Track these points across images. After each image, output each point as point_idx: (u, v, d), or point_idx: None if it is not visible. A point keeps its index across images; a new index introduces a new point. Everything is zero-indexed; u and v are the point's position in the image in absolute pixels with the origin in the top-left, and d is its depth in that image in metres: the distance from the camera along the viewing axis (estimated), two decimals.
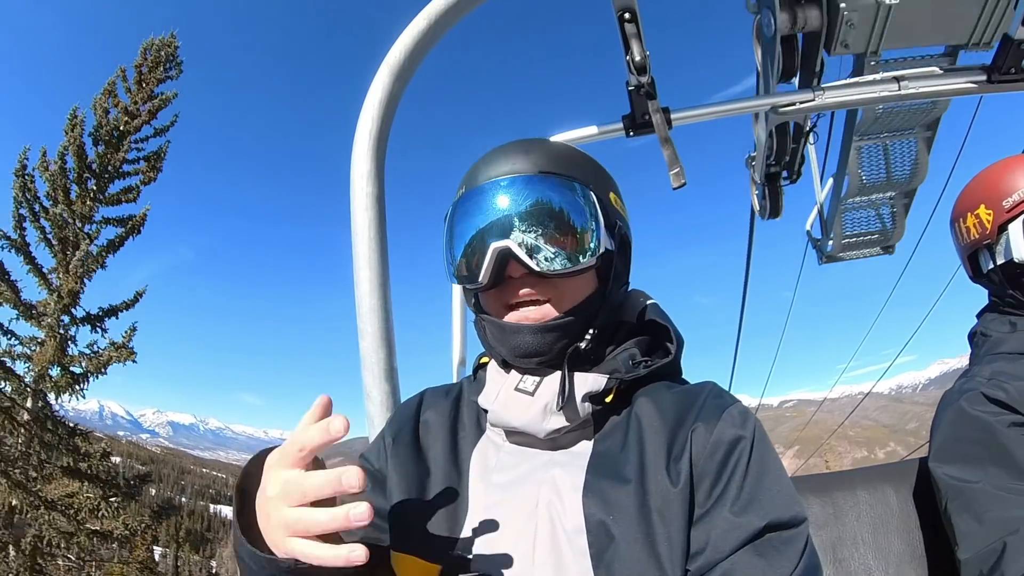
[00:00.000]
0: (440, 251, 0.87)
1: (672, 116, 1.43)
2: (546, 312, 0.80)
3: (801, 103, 1.48)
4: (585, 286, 0.83)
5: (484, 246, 0.79)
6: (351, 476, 0.55)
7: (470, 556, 0.73)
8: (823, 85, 1.50)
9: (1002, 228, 1.25)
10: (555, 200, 0.80)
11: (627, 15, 1.27)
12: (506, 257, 0.78)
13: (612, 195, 0.88)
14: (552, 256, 0.78)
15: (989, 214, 1.26)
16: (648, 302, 0.92)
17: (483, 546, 0.74)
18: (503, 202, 0.79)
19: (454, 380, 1.69)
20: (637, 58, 1.26)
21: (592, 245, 0.80)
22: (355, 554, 0.54)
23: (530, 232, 0.78)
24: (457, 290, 1.74)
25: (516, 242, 0.77)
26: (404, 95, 1.36)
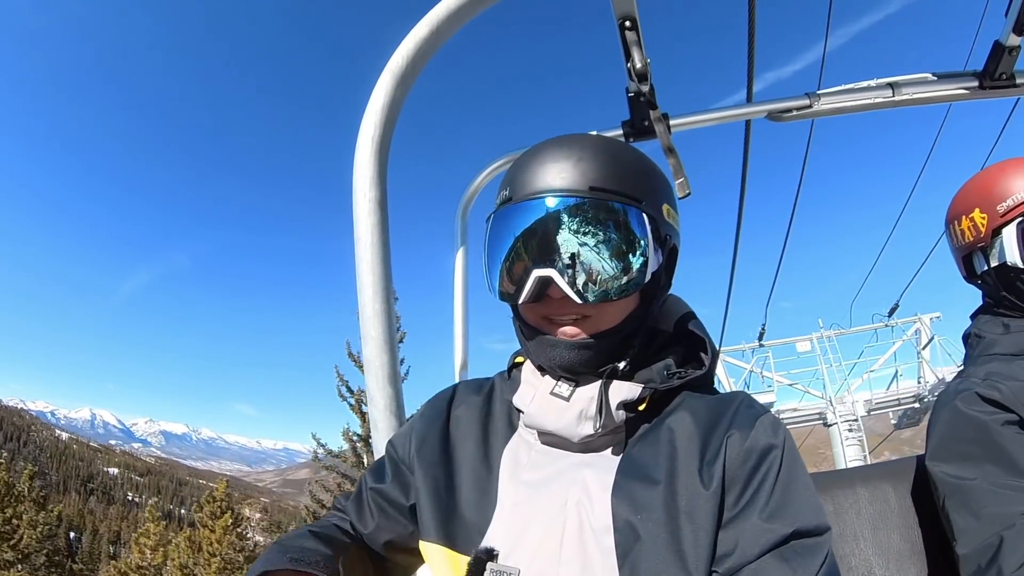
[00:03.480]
0: (481, 253, 0.85)
1: (671, 122, 1.45)
2: (585, 330, 0.80)
3: (798, 109, 1.50)
4: (627, 305, 0.82)
5: (526, 269, 0.78)
6: None
7: (497, 550, 0.76)
8: (819, 91, 1.52)
9: (996, 232, 1.27)
10: (602, 228, 0.77)
11: (628, 23, 1.28)
12: (547, 282, 0.77)
13: (666, 207, 0.84)
14: (595, 288, 0.77)
15: (984, 218, 1.29)
16: (684, 311, 0.92)
17: (511, 540, 0.76)
18: (548, 224, 0.77)
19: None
20: (638, 65, 1.27)
21: (637, 276, 0.78)
22: None
23: (574, 261, 0.76)
24: (459, 295, 1.74)
25: (558, 271, 0.76)
26: (406, 100, 1.37)
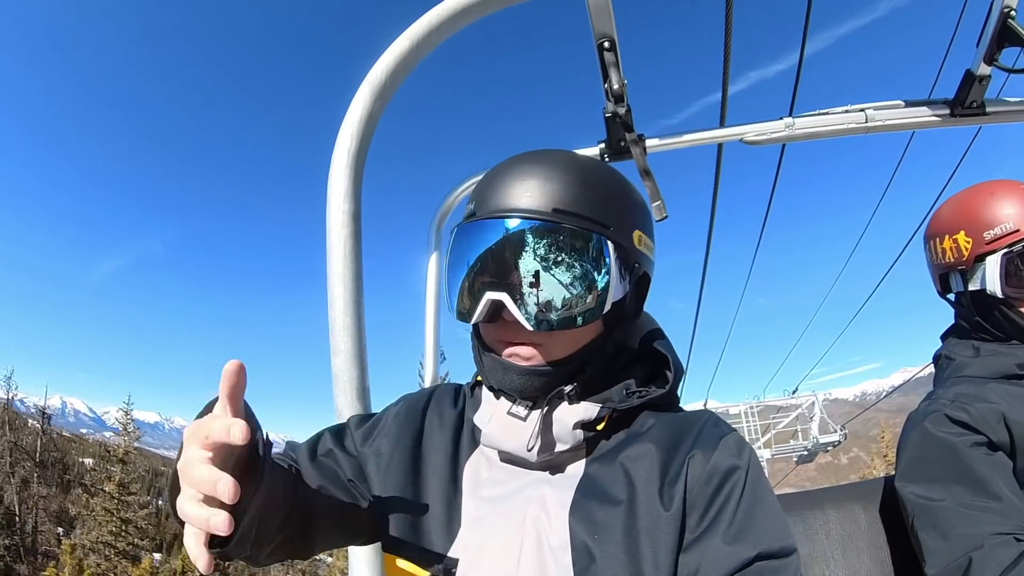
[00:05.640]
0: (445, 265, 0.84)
1: (647, 144, 1.46)
2: (537, 356, 0.78)
3: (772, 133, 1.52)
4: (586, 333, 0.80)
5: (479, 291, 0.77)
6: (237, 431, 0.55)
7: (456, 567, 0.75)
8: (792, 116, 1.54)
9: (979, 258, 1.26)
10: (562, 254, 0.75)
11: (606, 43, 1.29)
12: (501, 305, 0.75)
13: (638, 234, 0.82)
14: (547, 318, 0.75)
15: (968, 242, 1.28)
16: (652, 327, 0.90)
17: (470, 557, 0.76)
18: (506, 245, 0.75)
19: None
20: (615, 86, 1.28)
21: (593, 306, 0.76)
22: (216, 520, 0.54)
23: (529, 288, 0.74)
24: (431, 310, 1.73)
25: (512, 296, 0.74)
26: (383, 114, 1.36)
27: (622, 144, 1.44)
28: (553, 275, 0.75)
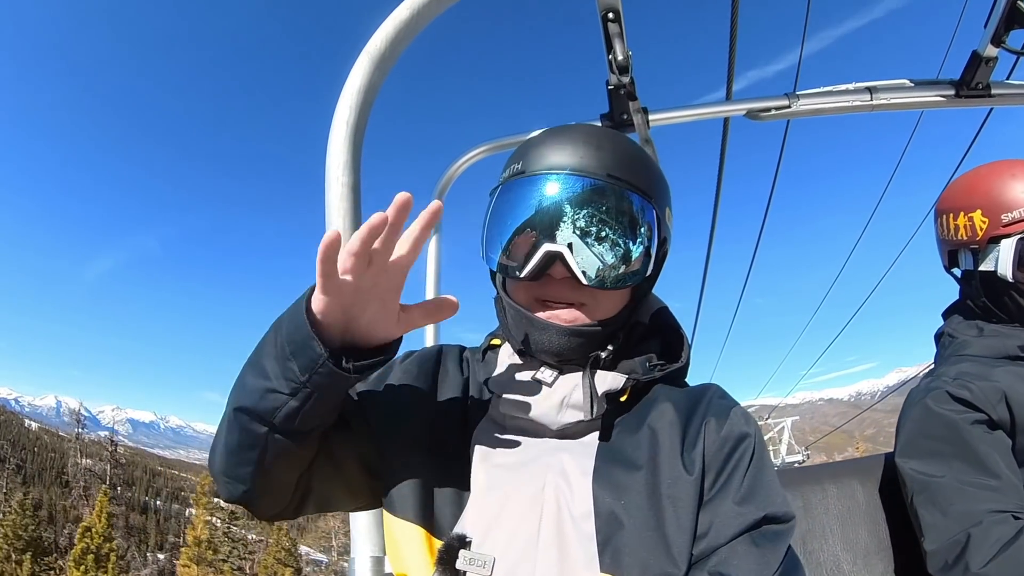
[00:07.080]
0: (480, 225, 0.83)
1: (650, 117, 1.44)
2: (577, 317, 0.79)
3: (777, 108, 1.51)
4: (620, 299, 0.82)
5: (534, 243, 0.77)
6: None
7: (470, 536, 0.73)
8: (798, 92, 1.53)
9: (993, 239, 1.24)
10: (619, 214, 0.77)
11: (611, 14, 1.27)
12: (555, 259, 0.75)
13: (668, 210, 0.86)
14: (603, 273, 0.76)
15: (984, 222, 1.24)
16: (660, 305, 0.94)
17: (484, 526, 0.74)
18: (565, 201, 0.76)
19: None
20: (620, 58, 1.27)
21: (640, 268, 0.79)
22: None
23: (587, 242, 0.76)
24: (432, 284, 1.72)
25: (570, 249, 0.75)
26: (383, 85, 1.34)
27: (625, 117, 1.43)
28: (609, 234, 0.77)
